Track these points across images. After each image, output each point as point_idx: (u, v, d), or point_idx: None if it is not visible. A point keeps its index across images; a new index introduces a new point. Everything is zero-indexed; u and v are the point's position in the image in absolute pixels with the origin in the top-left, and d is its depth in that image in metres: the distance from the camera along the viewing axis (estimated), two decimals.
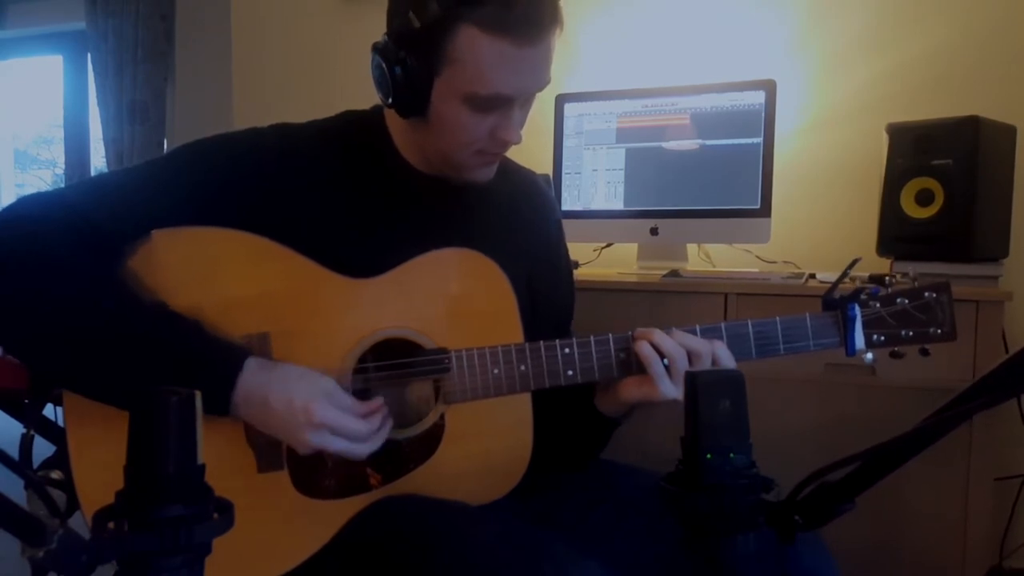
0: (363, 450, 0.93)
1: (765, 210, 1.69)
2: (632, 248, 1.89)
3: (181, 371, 0.88)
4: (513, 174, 1.17)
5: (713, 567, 0.59)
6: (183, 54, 3.31)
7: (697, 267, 1.88)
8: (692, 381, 0.60)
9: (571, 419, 1.09)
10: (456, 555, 0.87)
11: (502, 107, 0.96)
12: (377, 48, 0.97)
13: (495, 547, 0.87)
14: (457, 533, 0.90)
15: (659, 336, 0.98)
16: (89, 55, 3.45)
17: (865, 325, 1.02)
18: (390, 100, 0.98)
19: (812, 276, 1.60)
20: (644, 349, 0.98)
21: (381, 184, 1.06)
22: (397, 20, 0.95)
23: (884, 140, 1.65)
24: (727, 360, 0.99)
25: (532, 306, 1.10)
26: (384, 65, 0.95)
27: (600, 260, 1.97)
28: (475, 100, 0.94)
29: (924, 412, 0.72)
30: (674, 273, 1.68)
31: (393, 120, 1.06)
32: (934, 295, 1.03)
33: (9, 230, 0.90)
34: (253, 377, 0.89)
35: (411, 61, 0.93)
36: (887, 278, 1.04)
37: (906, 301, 1.03)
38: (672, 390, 0.97)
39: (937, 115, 1.58)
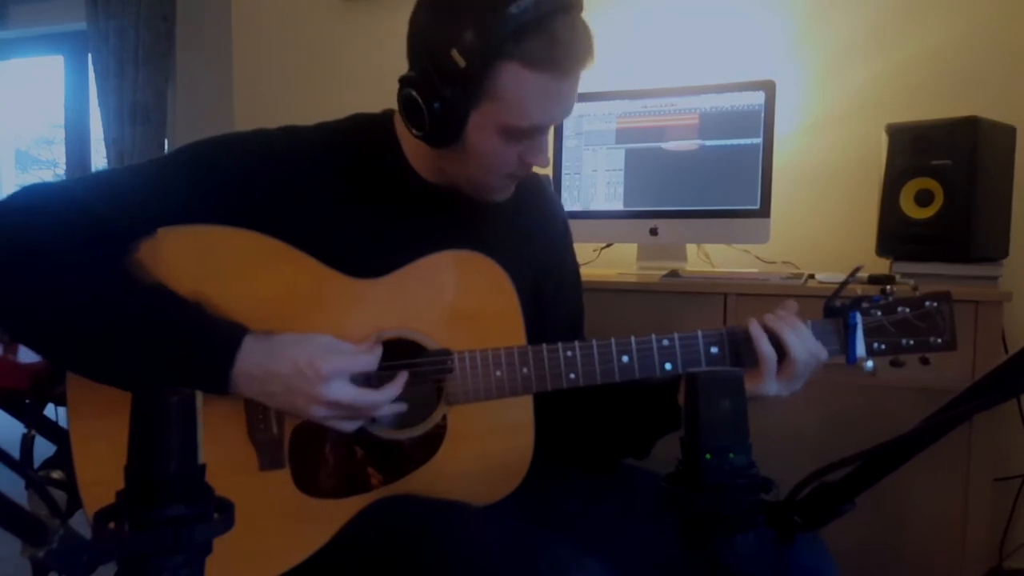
0: (379, 398, 0.93)
1: (764, 210, 1.69)
2: (632, 248, 1.89)
3: (180, 350, 0.88)
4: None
5: (713, 567, 0.59)
6: (184, 55, 3.30)
7: (697, 267, 1.88)
8: (691, 381, 0.60)
9: (641, 415, 1.09)
10: (456, 555, 0.87)
11: (535, 135, 0.98)
12: (411, 82, 0.95)
13: (495, 547, 0.88)
14: (457, 533, 0.91)
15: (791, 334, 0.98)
16: (90, 55, 3.45)
17: (866, 333, 1.02)
18: (423, 133, 0.97)
19: (811, 276, 1.60)
20: (764, 347, 0.98)
21: (387, 189, 1.05)
22: (437, 59, 0.91)
23: (883, 140, 1.65)
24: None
25: (540, 309, 1.10)
26: (420, 100, 0.94)
27: (600, 260, 1.97)
28: (511, 131, 0.95)
29: (924, 412, 0.72)
30: (674, 273, 1.68)
31: (404, 128, 1.06)
32: (935, 304, 1.03)
33: (9, 219, 0.90)
34: (252, 349, 0.89)
35: (450, 97, 0.92)
36: (887, 287, 1.04)
37: (907, 310, 1.03)
38: (775, 388, 0.98)
39: (936, 115, 1.58)
